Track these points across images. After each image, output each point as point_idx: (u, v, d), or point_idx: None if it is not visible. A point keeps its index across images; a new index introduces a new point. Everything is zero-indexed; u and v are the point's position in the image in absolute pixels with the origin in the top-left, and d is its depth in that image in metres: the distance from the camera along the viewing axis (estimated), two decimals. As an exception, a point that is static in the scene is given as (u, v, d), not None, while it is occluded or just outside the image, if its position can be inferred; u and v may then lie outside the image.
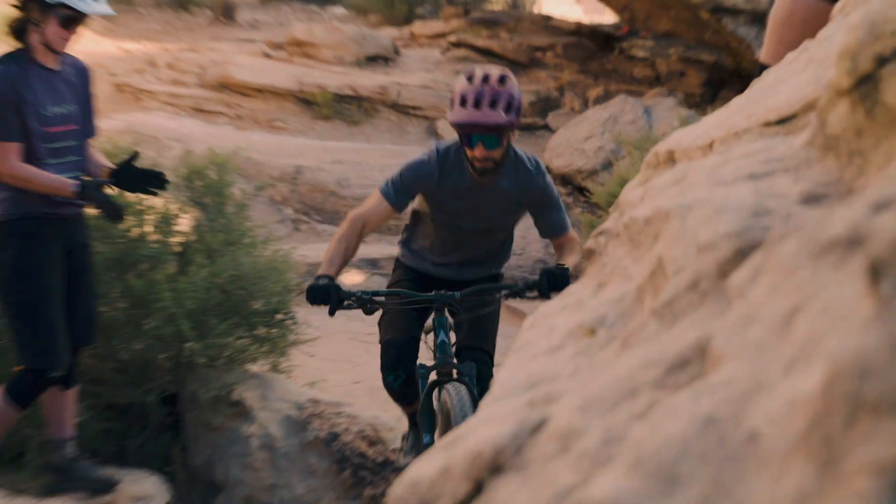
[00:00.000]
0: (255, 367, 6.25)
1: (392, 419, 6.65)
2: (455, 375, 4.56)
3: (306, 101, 15.91)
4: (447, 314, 4.72)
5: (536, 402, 1.22)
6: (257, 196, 8.09)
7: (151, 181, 4.82)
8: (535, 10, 21.66)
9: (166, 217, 6.08)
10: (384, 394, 7.71)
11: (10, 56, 4.55)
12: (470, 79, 4.54)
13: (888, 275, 0.73)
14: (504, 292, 4.86)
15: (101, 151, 5.21)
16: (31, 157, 4.49)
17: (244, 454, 5.63)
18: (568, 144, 13.24)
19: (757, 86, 2.25)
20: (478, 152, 4.47)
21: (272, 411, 5.94)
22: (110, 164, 4.93)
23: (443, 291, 4.60)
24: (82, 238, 4.83)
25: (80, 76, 4.83)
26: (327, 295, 4.32)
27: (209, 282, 5.76)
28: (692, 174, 1.57)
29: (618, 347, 1.32)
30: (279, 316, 6.26)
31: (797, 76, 1.95)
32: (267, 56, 18.06)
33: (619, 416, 1.04)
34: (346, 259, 4.63)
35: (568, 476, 0.98)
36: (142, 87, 16.14)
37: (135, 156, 4.85)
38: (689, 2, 13.39)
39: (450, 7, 19.53)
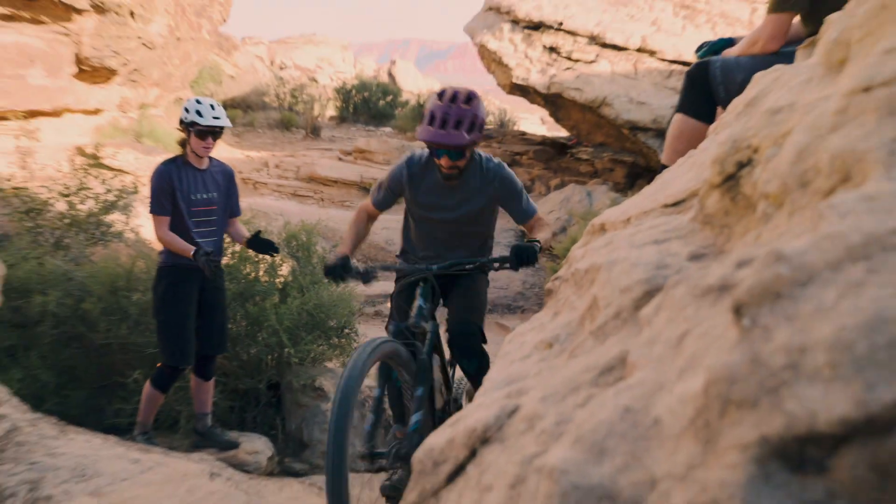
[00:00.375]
0: (330, 364, 6.23)
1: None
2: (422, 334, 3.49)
3: (365, 188, 16.03)
4: (430, 288, 3.61)
5: (512, 394, 1.20)
6: (332, 251, 8.13)
7: (270, 247, 4.89)
8: (515, 128, 21.78)
9: (273, 265, 6.13)
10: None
11: (171, 160, 4.67)
12: (440, 97, 3.63)
13: (747, 312, 0.71)
14: (475, 265, 3.69)
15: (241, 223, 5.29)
16: (181, 226, 4.57)
17: (322, 422, 5.60)
18: (537, 216, 13.25)
19: (659, 179, 2.24)
20: (443, 162, 3.61)
21: (341, 393, 5.92)
22: (247, 234, 5.02)
23: (424, 265, 3.65)
24: (216, 280, 4.84)
25: (224, 175, 4.88)
26: (335, 270, 3.59)
27: (301, 308, 5.78)
28: (616, 240, 1.55)
29: (567, 357, 1.30)
30: (346, 330, 6.27)
31: (685, 174, 1.94)
32: (340, 159, 18.23)
33: (567, 405, 1.02)
34: (358, 239, 3.92)
35: (533, 447, 0.96)
36: (258, 180, 16.32)
37: (259, 231, 4.97)
38: (615, 123, 13.44)
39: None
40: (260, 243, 4.90)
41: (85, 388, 5.43)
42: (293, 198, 15.41)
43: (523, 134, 18.65)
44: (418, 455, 1.20)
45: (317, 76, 36.84)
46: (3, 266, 4.14)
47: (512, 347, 1.54)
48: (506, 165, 3.85)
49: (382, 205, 3.98)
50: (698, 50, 3.57)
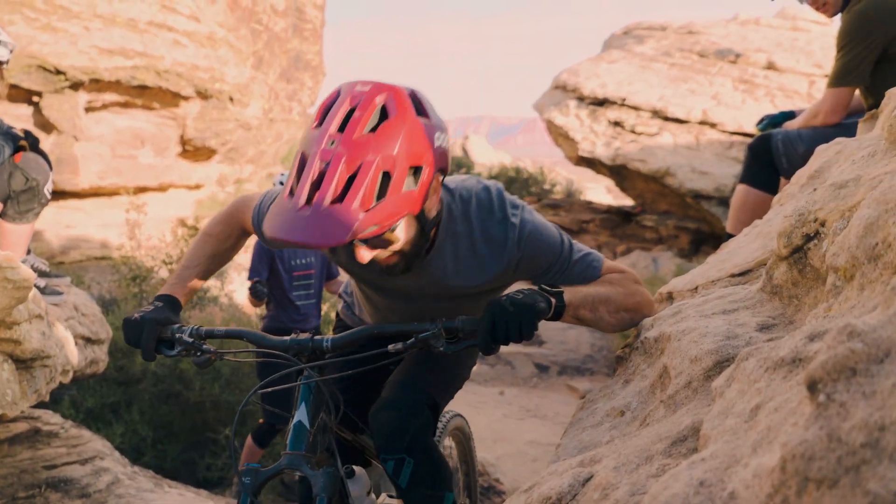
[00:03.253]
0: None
1: (493, 457, 6.51)
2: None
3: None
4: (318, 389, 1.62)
5: (585, 462, 1.16)
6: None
7: None
8: (582, 197, 21.74)
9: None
10: (490, 439, 7.50)
11: None
12: (320, 119, 1.42)
13: (822, 388, 0.68)
14: (404, 345, 1.54)
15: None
16: (279, 290, 4.67)
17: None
18: (604, 281, 13.05)
19: (724, 248, 2.19)
20: (360, 255, 1.51)
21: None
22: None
23: (305, 335, 1.60)
24: None
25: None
26: (134, 331, 1.64)
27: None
28: (684, 309, 1.52)
29: (638, 425, 1.26)
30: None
31: (750, 243, 1.89)
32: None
33: (640, 475, 0.98)
34: (206, 268, 1.90)
35: (607, 517, 0.92)
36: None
37: None
38: (679, 191, 13.27)
39: (530, 196, 19.68)
40: None
41: (180, 442, 5.53)
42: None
43: (590, 203, 18.55)
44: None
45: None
46: (110, 329, 4.30)
47: (584, 414, 1.50)
48: (536, 223, 1.71)
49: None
50: (759, 123, 3.53)
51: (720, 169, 12.98)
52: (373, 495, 1.85)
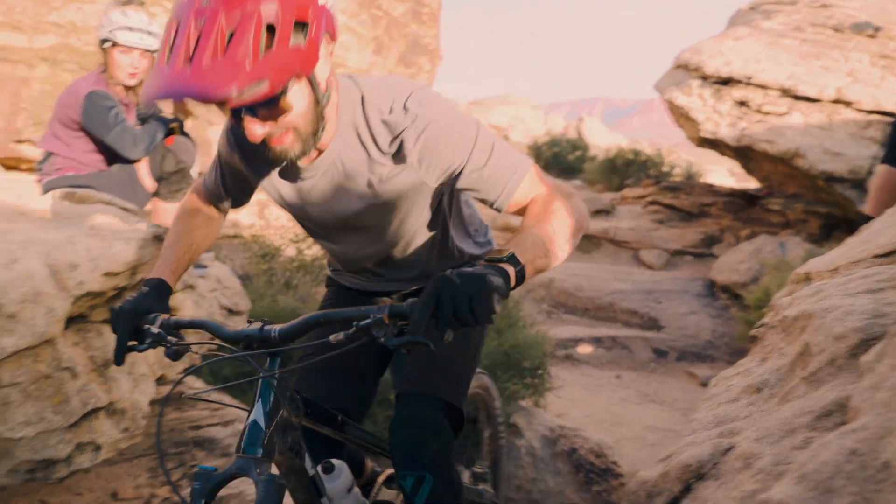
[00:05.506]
0: (524, 403, 6.24)
1: (611, 440, 6.48)
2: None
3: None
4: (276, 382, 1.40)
5: (724, 433, 1.17)
6: (525, 296, 8.23)
7: None
8: (703, 181, 21.01)
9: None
10: (605, 422, 7.45)
11: None
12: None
13: None
14: (346, 335, 1.24)
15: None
16: None
17: (517, 458, 5.61)
18: (727, 266, 12.59)
19: (866, 230, 2.10)
20: (247, 129, 1.36)
21: (534, 431, 5.93)
22: None
23: (259, 325, 1.38)
24: None
25: None
26: (118, 318, 1.48)
27: (498, 349, 5.86)
28: (826, 289, 1.48)
29: (777, 401, 1.25)
30: (539, 371, 6.26)
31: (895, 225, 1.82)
32: (532, 211, 18.38)
33: (784, 446, 0.99)
34: (186, 251, 1.76)
35: (751, 484, 0.94)
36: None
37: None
38: (809, 174, 12.60)
39: (648, 179, 19.19)
40: None
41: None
42: (489, 247, 15.71)
43: (711, 186, 17.90)
44: (630, 486, 1.20)
45: (510, 134, 37.56)
46: (249, 301, 4.55)
47: (718, 391, 1.50)
48: (432, 99, 1.52)
49: (218, 191, 1.84)
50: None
51: (855, 150, 12.24)
52: (356, 490, 1.77)
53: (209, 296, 3.37)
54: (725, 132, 13.51)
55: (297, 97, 1.35)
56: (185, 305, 2.66)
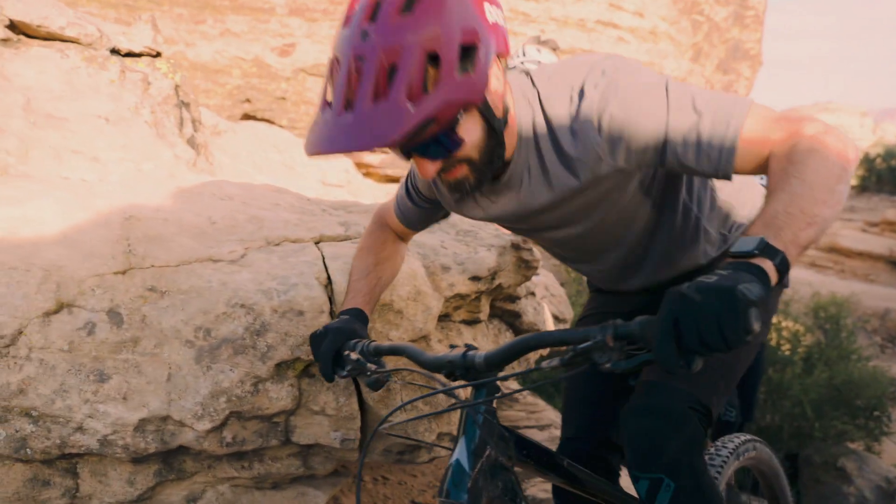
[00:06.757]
0: (853, 446, 5.60)
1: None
2: None
3: (894, 262, 14.13)
4: (489, 419, 1.23)
5: None
6: (858, 327, 7.35)
7: None
8: None
9: (795, 334, 5.78)
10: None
11: None
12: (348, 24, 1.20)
13: None
14: (561, 360, 1.04)
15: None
16: None
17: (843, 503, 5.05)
18: None
19: None
20: (423, 171, 1.29)
21: (866, 479, 5.28)
22: None
23: (462, 351, 1.20)
24: None
25: None
26: (317, 344, 1.47)
27: (828, 381, 5.33)
28: None
29: None
30: (876, 412, 5.58)
31: None
32: (864, 231, 16.40)
33: None
34: (377, 281, 1.67)
35: None
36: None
37: None
38: None
39: None
40: None
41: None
42: (810, 267, 14.31)
43: None
44: None
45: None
46: (571, 310, 4.62)
47: None
48: (610, 73, 1.28)
49: (415, 218, 1.75)
50: None
51: None
52: None
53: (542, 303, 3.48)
54: None
55: (469, 130, 1.24)
56: (527, 310, 2.77)
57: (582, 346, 1.01)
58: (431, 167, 1.26)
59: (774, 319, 5.47)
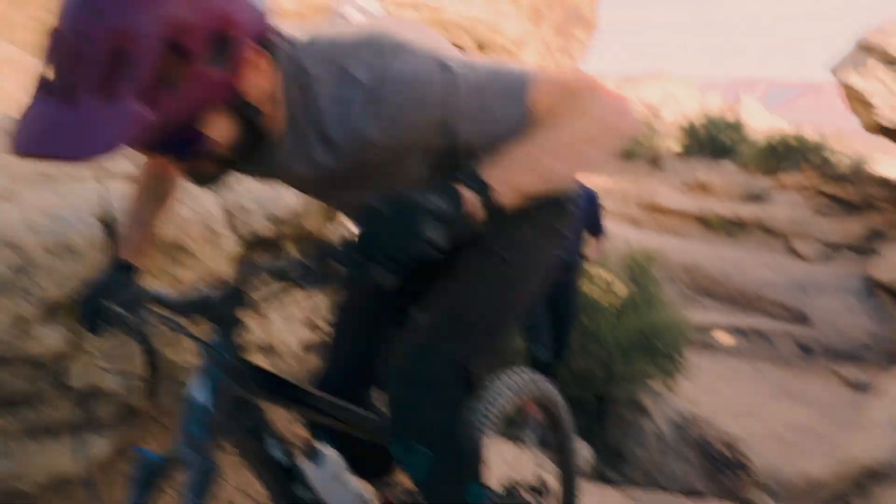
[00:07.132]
0: (653, 384, 6.08)
1: (743, 433, 6.23)
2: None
3: (703, 221, 15.41)
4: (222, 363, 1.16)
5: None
6: (668, 278, 7.99)
7: None
8: (873, 172, 19.41)
9: (608, 284, 6.16)
10: (739, 414, 7.14)
11: None
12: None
13: None
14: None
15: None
16: None
17: (642, 439, 5.52)
18: (892, 264, 11.66)
19: None
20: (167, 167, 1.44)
21: (662, 414, 5.80)
22: None
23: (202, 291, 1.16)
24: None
25: (589, 200, 5.09)
26: (86, 299, 1.30)
27: (635, 328, 5.74)
28: None
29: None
30: (673, 354, 6.08)
31: None
32: (682, 192, 17.68)
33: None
34: (148, 211, 1.48)
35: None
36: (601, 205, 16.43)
37: None
38: None
39: (805, 164, 17.94)
40: None
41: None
42: (631, 224, 15.29)
43: (886, 180, 16.45)
44: (798, 485, 1.14)
45: (661, 111, 36.17)
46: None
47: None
48: (386, 53, 1.11)
49: None
50: None
51: None
52: (347, 478, 1.52)
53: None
54: (905, 120, 12.40)
55: (222, 128, 1.05)
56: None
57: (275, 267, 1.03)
58: (178, 165, 1.12)
59: (592, 270, 5.80)
